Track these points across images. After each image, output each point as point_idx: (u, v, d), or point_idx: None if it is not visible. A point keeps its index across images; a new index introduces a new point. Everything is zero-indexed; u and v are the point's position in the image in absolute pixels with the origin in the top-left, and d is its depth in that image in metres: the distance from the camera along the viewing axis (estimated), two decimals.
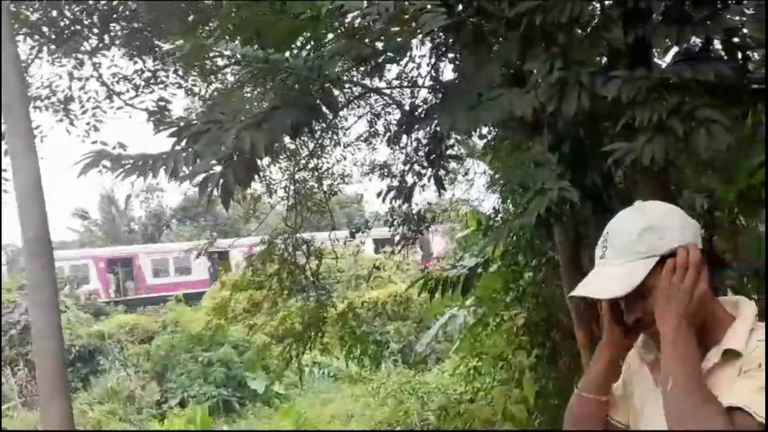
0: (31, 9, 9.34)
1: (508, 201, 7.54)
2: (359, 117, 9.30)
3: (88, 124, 10.29)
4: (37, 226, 6.11)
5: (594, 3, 4.06)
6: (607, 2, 3.97)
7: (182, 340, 22.33)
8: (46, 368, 6.15)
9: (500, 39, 4.58)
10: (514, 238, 6.96)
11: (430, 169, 6.54)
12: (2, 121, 7.15)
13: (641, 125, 3.29)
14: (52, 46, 9.82)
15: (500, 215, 7.93)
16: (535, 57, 3.83)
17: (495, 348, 8.41)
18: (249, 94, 6.85)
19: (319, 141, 9.16)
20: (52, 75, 10.25)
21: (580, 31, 4.09)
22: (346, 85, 7.15)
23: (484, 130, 7.27)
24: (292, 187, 9.95)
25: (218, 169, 3.99)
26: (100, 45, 9.97)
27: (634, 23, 3.59)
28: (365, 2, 3.80)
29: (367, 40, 4.20)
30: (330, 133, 9.33)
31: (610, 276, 1.71)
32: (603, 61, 4.21)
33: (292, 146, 9.24)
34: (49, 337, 6.10)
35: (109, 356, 22.39)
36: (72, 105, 10.28)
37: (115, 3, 9.66)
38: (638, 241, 1.69)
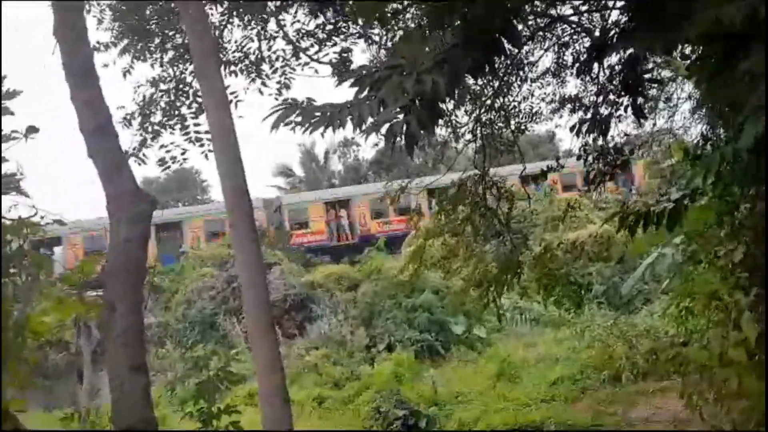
0: None
1: (719, 126, 6.81)
2: (546, 49, 8.83)
3: (278, 83, 10.67)
4: (234, 177, 6.37)
5: None
6: None
7: (385, 288, 23.21)
8: (253, 316, 6.61)
9: None
10: (727, 166, 6.25)
11: (626, 98, 6.09)
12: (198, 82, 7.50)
13: None
14: (241, 10, 10.26)
15: (710, 142, 7.18)
16: None
17: (708, 286, 7.69)
18: (429, 36, 6.69)
19: (504, 79, 8.84)
20: (243, 39, 10.69)
21: None
22: (530, 17, 6.79)
23: (687, 49, 6.59)
24: (478, 129, 9.75)
25: (402, 117, 3.95)
26: (284, 3, 10.25)
27: None
28: None
29: None
30: (515, 69, 8.97)
31: None
32: None
33: (477, 87, 9.02)
34: (252, 285, 6.48)
35: (320, 304, 23.89)
36: (263, 66, 10.72)
37: None
38: None
